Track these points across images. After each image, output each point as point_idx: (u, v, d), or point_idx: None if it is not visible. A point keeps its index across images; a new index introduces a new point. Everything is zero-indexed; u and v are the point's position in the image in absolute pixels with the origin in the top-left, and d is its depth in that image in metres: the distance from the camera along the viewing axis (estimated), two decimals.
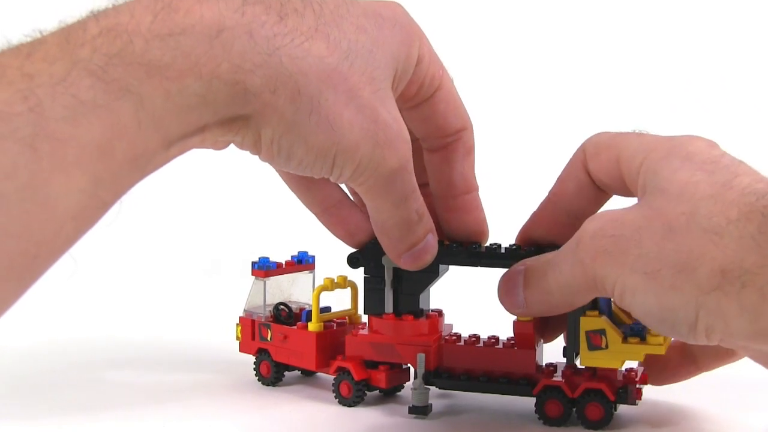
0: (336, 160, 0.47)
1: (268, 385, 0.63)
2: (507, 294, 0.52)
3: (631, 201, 0.49)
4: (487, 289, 0.67)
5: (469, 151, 0.56)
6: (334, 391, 0.59)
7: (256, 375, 0.64)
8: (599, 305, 0.54)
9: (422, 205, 0.52)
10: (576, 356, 0.54)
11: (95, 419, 0.58)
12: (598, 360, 0.53)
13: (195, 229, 1.01)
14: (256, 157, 0.48)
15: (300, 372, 0.65)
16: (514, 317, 0.56)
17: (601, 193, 0.53)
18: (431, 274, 0.57)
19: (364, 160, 0.48)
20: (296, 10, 0.45)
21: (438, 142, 0.56)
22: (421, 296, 0.58)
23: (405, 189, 0.51)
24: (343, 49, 0.47)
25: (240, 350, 0.65)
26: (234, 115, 0.44)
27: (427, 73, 0.53)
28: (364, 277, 0.58)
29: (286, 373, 0.64)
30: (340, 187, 0.57)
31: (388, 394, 0.61)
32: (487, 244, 0.56)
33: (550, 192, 0.54)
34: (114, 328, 0.79)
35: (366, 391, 0.59)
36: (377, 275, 0.57)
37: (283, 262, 0.65)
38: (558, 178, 0.54)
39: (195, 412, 0.59)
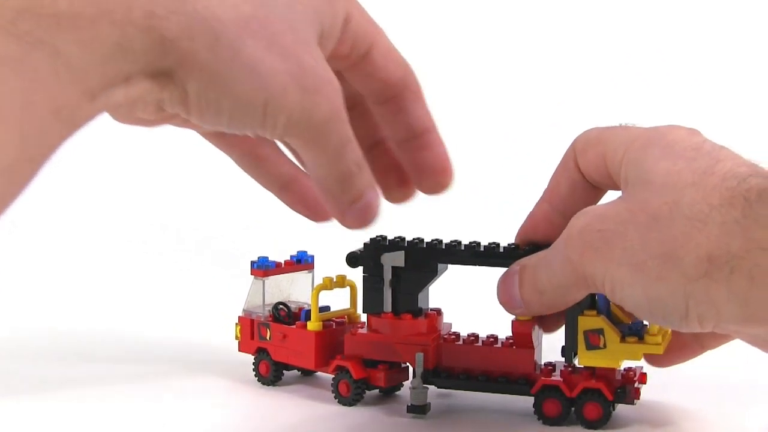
0: (267, 108, 0.46)
1: (267, 384, 0.63)
2: (504, 294, 0.52)
3: None
4: (486, 289, 0.67)
5: (417, 93, 0.55)
6: (333, 390, 0.59)
7: (255, 374, 0.64)
8: (597, 305, 0.54)
9: (360, 158, 0.51)
10: (574, 356, 0.54)
11: (94, 417, 0.58)
12: (597, 359, 0.53)
13: (195, 228, 1.01)
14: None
15: (299, 371, 0.65)
16: (513, 317, 0.56)
17: (594, 190, 0.53)
18: (430, 273, 0.57)
19: (295, 107, 0.47)
20: None
21: (385, 94, 0.55)
22: (419, 295, 0.58)
23: (341, 138, 0.49)
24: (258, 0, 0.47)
25: (239, 350, 0.65)
26: (156, 68, 0.44)
27: (358, 31, 0.53)
28: (363, 277, 0.58)
29: (285, 373, 0.64)
30: (292, 162, 0.56)
31: (387, 393, 0.61)
32: (486, 243, 0.56)
33: (544, 192, 0.54)
34: (113, 326, 0.79)
35: (365, 390, 0.59)
36: (376, 274, 0.57)
37: (282, 262, 0.65)
38: (551, 178, 0.54)
39: (194, 411, 0.59)
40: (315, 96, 0.47)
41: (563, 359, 0.55)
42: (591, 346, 0.53)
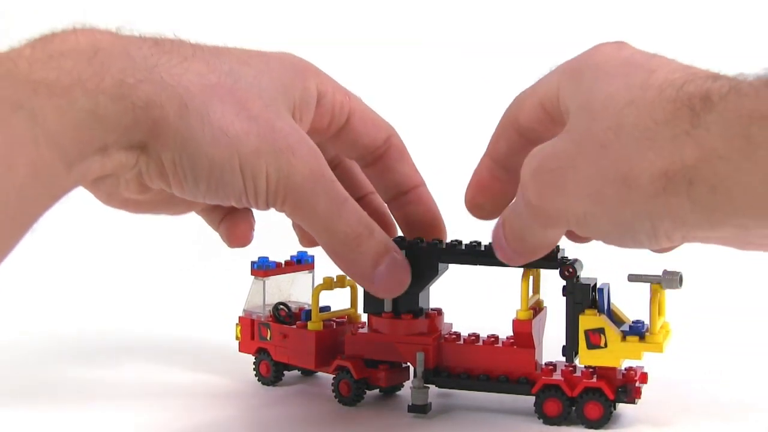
0: (243, 171, 0.47)
1: (267, 384, 0.64)
2: (498, 247, 0.50)
3: None
4: (487, 288, 0.67)
5: (402, 152, 0.57)
6: (333, 390, 0.59)
7: (255, 374, 0.64)
8: (598, 304, 0.54)
9: (365, 217, 0.52)
10: (575, 355, 0.54)
11: (94, 417, 0.58)
12: (597, 359, 0.53)
13: (194, 228, 1.00)
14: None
15: (299, 371, 0.65)
16: (514, 316, 0.56)
17: (533, 144, 0.51)
18: (430, 272, 0.57)
19: (271, 169, 0.48)
20: (172, 41, 0.48)
21: (370, 156, 0.57)
22: (420, 295, 0.58)
23: (331, 198, 0.50)
24: (224, 70, 0.48)
25: (239, 350, 0.65)
26: (131, 139, 0.45)
27: (334, 103, 0.55)
28: None
29: (286, 373, 0.64)
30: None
31: (388, 393, 0.61)
32: (486, 243, 0.56)
33: (484, 155, 0.53)
34: (114, 326, 0.79)
35: (366, 390, 0.59)
36: None
37: (283, 262, 0.65)
38: (491, 140, 0.53)
39: (194, 411, 0.59)
40: (290, 156, 0.48)
41: (564, 359, 0.55)
42: (592, 345, 0.53)
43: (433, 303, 0.60)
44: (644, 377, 0.55)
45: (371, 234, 0.51)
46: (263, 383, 0.64)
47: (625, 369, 0.55)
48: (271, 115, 0.49)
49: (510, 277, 0.56)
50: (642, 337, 0.53)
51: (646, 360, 0.54)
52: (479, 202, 0.53)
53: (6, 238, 0.41)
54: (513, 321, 0.56)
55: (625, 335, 0.53)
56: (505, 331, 0.57)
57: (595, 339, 0.53)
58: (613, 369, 0.54)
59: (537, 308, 0.57)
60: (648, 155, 0.40)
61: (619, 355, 0.53)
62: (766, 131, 0.36)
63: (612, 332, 0.53)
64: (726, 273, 0.95)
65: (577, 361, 0.54)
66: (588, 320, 0.53)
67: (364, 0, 1.22)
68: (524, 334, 0.55)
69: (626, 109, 0.41)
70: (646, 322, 0.53)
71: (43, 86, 0.42)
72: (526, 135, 0.51)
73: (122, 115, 0.44)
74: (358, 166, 0.59)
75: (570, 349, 0.54)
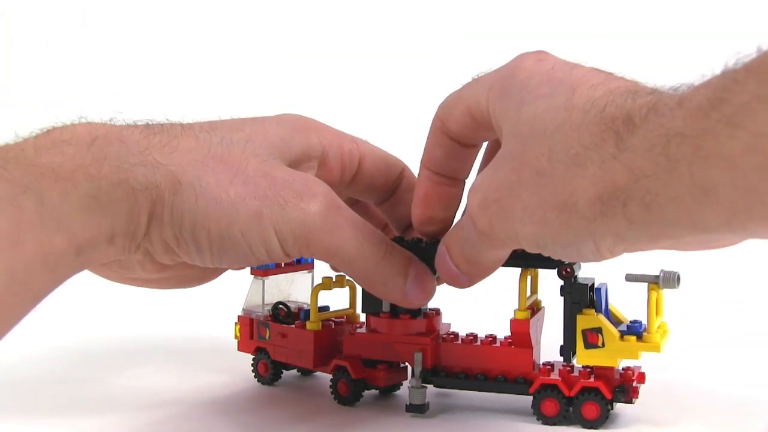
0: (246, 236, 0.48)
1: (266, 383, 0.64)
2: (445, 274, 0.51)
3: None
4: (485, 288, 0.67)
5: (413, 183, 0.57)
6: (331, 390, 0.59)
7: (254, 374, 0.64)
8: (596, 304, 0.54)
9: (382, 234, 0.53)
10: (573, 355, 0.54)
11: (91, 416, 0.58)
12: (595, 358, 0.53)
13: None
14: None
15: (298, 371, 0.66)
16: (512, 316, 0.56)
17: (469, 149, 0.53)
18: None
19: (280, 224, 0.49)
20: (162, 124, 0.50)
21: (385, 195, 0.59)
22: None
23: (352, 225, 0.51)
24: (214, 142, 0.50)
25: (238, 349, 0.65)
26: (137, 226, 0.47)
27: (342, 154, 0.56)
28: None
29: (284, 372, 0.64)
30: None
31: (386, 393, 0.61)
32: None
33: (421, 167, 0.54)
34: (111, 326, 0.80)
35: (364, 390, 0.59)
36: None
37: (282, 262, 0.65)
38: (425, 148, 0.53)
39: (193, 410, 0.59)
40: (299, 203, 0.49)
41: (562, 358, 0.55)
42: (589, 344, 0.53)
43: (431, 303, 0.60)
44: (642, 377, 0.56)
45: (393, 249, 0.53)
46: (261, 382, 0.64)
47: (623, 369, 0.55)
48: (269, 168, 0.50)
49: (508, 278, 0.56)
50: (639, 336, 0.53)
51: (644, 360, 0.54)
52: (430, 215, 0.53)
53: (10, 315, 0.42)
54: (510, 321, 0.56)
55: (622, 335, 0.53)
56: (503, 331, 0.57)
57: (592, 338, 0.53)
58: (611, 369, 0.54)
59: (535, 308, 0.58)
60: (581, 182, 0.41)
61: (616, 355, 0.53)
62: (683, 147, 0.37)
63: (609, 332, 0.53)
64: (724, 273, 0.95)
65: (574, 361, 0.54)
66: (585, 320, 0.53)
67: (369, 14, 1.23)
68: (522, 334, 0.56)
69: (556, 135, 0.43)
70: (644, 322, 0.53)
71: (49, 170, 0.44)
72: (458, 140, 0.52)
73: (124, 199, 0.46)
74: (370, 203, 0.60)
75: (568, 349, 0.54)
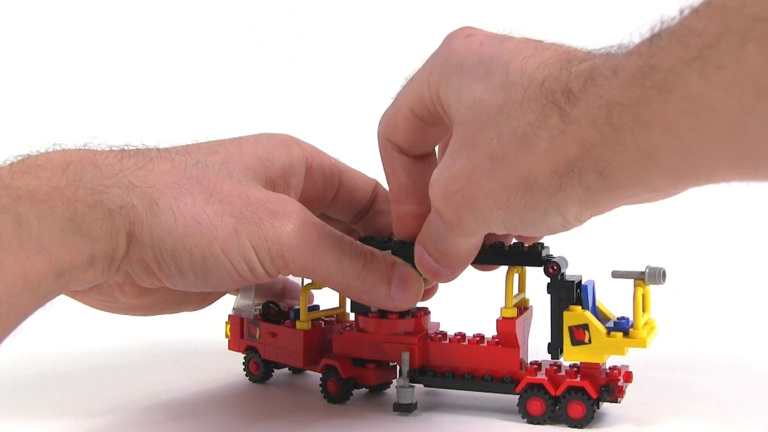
0: (227, 254, 0.49)
1: (257, 382, 0.64)
2: (428, 271, 0.52)
3: None
4: (475, 288, 0.67)
5: (387, 198, 0.59)
6: (321, 389, 0.60)
7: (245, 372, 0.64)
8: (582, 301, 0.54)
9: (360, 244, 0.53)
10: (561, 352, 0.54)
11: (82, 414, 0.58)
12: (582, 355, 0.53)
13: None
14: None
15: (289, 370, 0.66)
16: (498, 316, 0.56)
17: (426, 159, 0.53)
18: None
19: (256, 241, 0.49)
20: (137, 149, 0.50)
21: (363, 211, 0.60)
22: None
23: (330, 241, 0.51)
24: (190, 164, 0.50)
25: (229, 348, 0.66)
26: (115, 247, 0.47)
27: (323, 167, 0.58)
28: None
29: (275, 371, 0.64)
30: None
31: (376, 392, 0.61)
32: None
33: (390, 193, 0.54)
34: (103, 324, 0.80)
35: (353, 389, 0.59)
36: None
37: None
38: (387, 178, 0.54)
39: (184, 409, 0.59)
40: (273, 221, 0.50)
41: (549, 356, 0.55)
42: (576, 341, 0.53)
43: (422, 302, 0.60)
44: (629, 376, 0.56)
45: (373, 256, 0.53)
46: (252, 381, 0.64)
47: (609, 368, 0.55)
48: (243, 189, 0.50)
49: (499, 278, 0.57)
50: (626, 333, 0.53)
51: (630, 359, 0.54)
52: (414, 230, 0.54)
53: None
54: (497, 321, 0.56)
55: (609, 331, 0.53)
56: (491, 331, 0.57)
57: (579, 335, 0.53)
58: (597, 368, 0.54)
59: (522, 307, 0.58)
60: (536, 161, 0.42)
61: (603, 351, 0.53)
62: (624, 116, 0.38)
63: (596, 328, 0.53)
64: (711, 268, 0.95)
65: (562, 358, 0.54)
66: (572, 317, 0.53)
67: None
68: (508, 334, 0.56)
69: (500, 116, 0.43)
70: (632, 318, 0.53)
71: (25, 192, 0.44)
72: (412, 152, 0.52)
73: (101, 221, 0.46)
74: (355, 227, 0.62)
75: (555, 346, 0.54)
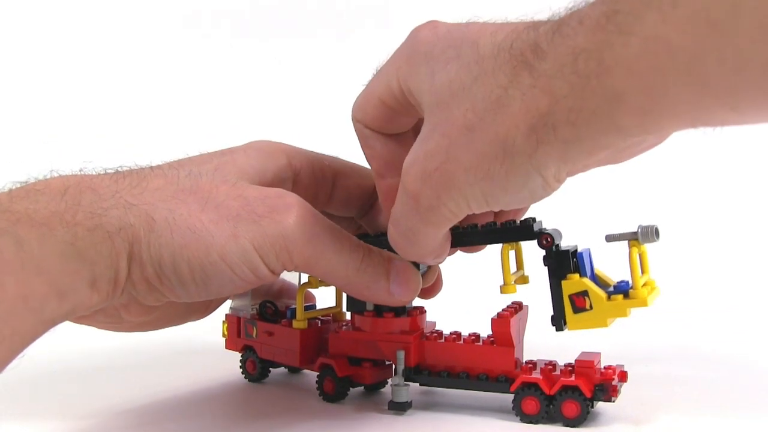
0: (227, 260, 0.49)
1: (253, 381, 0.64)
2: (412, 256, 0.52)
3: None
4: (471, 286, 0.67)
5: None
6: (317, 388, 0.60)
7: (242, 371, 0.65)
8: (580, 269, 0.53)
9: (356, 239, 0.53)
10: (564, 324, 0.53)
11: (79, 413, 0.58)
12: (585, 322, 0.52)
13: None
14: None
15: (286, 368, 0.66)
16: (493, 315, 0.56)
17: (401, 135, 0.53)
18: None
19: (258, 240, 0.49)
20: (131, 169, 0.51)
21: (366, 206, 0.60)
22: None
23: (330, 232, 0.51)
24: (182, 175, 0.50)
25: (226, 347, 0.66)
26: (116, 270, 0.47)
27: (315, 172, 0.58)
28: None
29: (272, 370, 0.65)
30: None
31: (372, 390, 0.61)
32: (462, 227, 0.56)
33: (376, 179, 0.55)
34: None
35: (349, 387, 0.60)
36: None
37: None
38: (370, 165, 0.55)
39: (181, 408, 0.59)
40: (274, 216, 0.50)
41: (554, 328, 0.53)
42: (578, 309, 0.52)
43: (417, 301, 0.60)
44: (623, 375, 0.56)
45: (371, 252, 0.53)
46: (249, 380, 0.64)
47: (604, 368, 0.55)
48: (240, 190, 0.51)
49: (494, 278, 0.57)
50: (626, 294, 0.52)
51: (625, 359, 0.54)
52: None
53: None
54: (492, 320, 0.56)
55: (609, 295, 0.52)
56: (486, 330, 0.57)
57: (580, 302, 0.52)
58: (592, 366, 0.54)
59: (518, 307, 0.58)
60: (512, 120, 0.42)
61: (605, 315, 0.52)
62: (590, 62, 0.39)
63: (596, 293, 0.52)
64: (710, 273, 0.95)
65: (566, 329, 0.53)
66: (571, 285, 0.52)
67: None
68: (503, 333, 0.56)
69: (474, 87, 0.44)
70: (631, 281, 0.53)
71: (25, 216, 0.45)
72: (384, 132, 0.53)
73: (101, 244, 0.46)
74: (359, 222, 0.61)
75: (558, 318, 0.53)
